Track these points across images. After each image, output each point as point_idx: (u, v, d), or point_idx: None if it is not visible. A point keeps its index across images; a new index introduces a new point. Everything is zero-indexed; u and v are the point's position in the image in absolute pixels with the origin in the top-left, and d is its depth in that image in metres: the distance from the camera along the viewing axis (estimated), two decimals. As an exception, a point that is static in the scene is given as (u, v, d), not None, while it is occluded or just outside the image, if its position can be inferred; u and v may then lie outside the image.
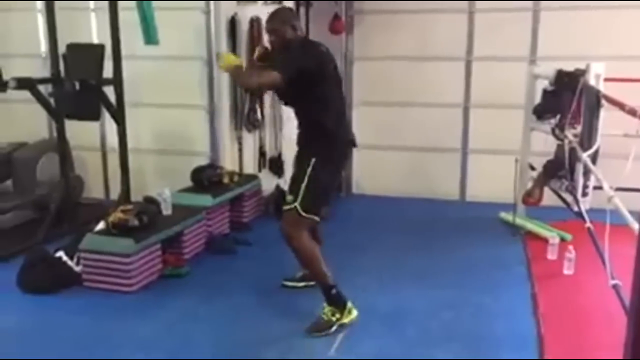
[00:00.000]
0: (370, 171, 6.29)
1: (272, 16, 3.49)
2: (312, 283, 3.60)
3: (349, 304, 3.34)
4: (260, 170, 5.66)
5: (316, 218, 3.35)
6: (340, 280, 3.53)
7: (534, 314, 3.50)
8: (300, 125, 3.49)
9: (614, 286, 2.69)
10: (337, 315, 3.30)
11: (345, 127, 3.57)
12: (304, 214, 3.26)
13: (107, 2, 4.52)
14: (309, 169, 3.27)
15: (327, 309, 3.31)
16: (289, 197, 3.32)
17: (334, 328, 3.28)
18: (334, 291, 3.32)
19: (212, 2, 5.22)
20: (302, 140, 3.49)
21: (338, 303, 3.31)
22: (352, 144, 3.57)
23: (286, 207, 3.32)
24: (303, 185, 3.26)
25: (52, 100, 4.87)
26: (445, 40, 5.93)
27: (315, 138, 3.38)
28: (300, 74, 3.15)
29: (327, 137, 3.35)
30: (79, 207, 5.19)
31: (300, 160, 3.39)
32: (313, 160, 3.28)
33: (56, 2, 4.73)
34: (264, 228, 5.19)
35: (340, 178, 3.75)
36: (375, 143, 6.22)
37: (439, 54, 5.94)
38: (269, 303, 3.70)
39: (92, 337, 3.31)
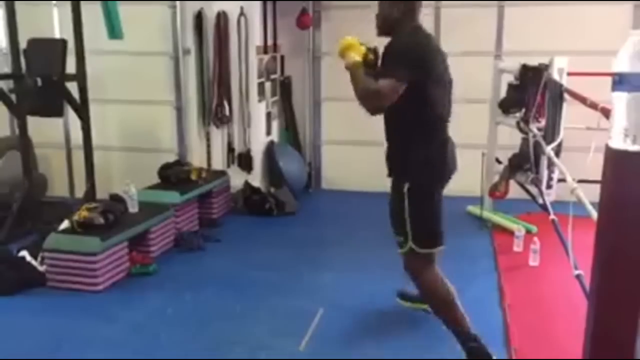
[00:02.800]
0: (338, 166, 6.30)
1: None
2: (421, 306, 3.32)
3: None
4: (229, 166, 5.63)
5: (434, 249, 2.90)
6: (308, 274, 3.54)
7: (500, 305, 3.55)
8: (388, 140, 2.94)
9: (577, 276, 2.74)
10: None
11: (444, 149, 2.97)
12: (421, 250, 2.86)
13: (69, -4, 4.44)
14: (405, 201, 2.79)
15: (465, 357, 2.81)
16: (398, 239, 2.90)
17: None
18: (474, 344, 2.77)
19: (178, -4, 5.18)
20: (391, 161, 2.93)
21: (478, 355, 2.77)
22: (445, 169, 2.99)
23: (401, 250, 2.92)
24: (408, 223, 2.80)
25: (13, 97, 4.75)
26: (412, 35, 5.95)
27: (404, 161, 2.84)
28: (419, 76, 2.66)
29: (422, 155, 2.80)
30: (42, 206, 5.08)
31: (394, 189, 2.89)
32: (406, 185, 2.79)
33: (16, -5, 4.62)
34: (233, 224, 5.17)
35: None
36: (343, 138, 6.23)
37: (406, 49, 5.96)
38: (238, 300, 3.67)
39: (57, 338, 3.24)
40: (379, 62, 2.90)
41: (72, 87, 4.59)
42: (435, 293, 2.90)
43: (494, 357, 2.79)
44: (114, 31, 4.44)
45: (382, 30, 2.96)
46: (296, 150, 6.15)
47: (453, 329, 2.87)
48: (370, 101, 2.70)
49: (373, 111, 2.72)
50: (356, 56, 2.83)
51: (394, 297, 3.66)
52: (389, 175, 2.96)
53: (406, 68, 2.64)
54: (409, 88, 2.63)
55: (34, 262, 3.89)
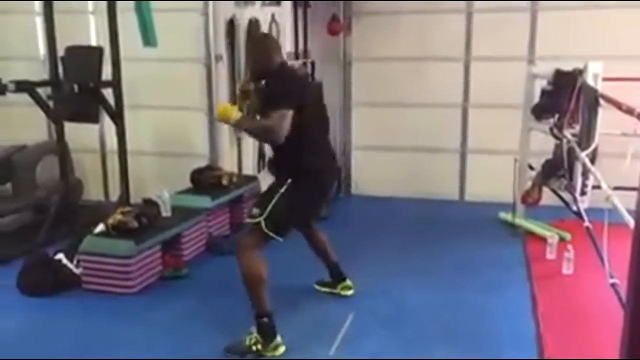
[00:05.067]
0: (369, 172, 6.29)
1: (259, 42, 3.57)
2: (340, 292, 3.78)
3: (278, 340, 3.13)
4: (259, 172, 5.67)
5: (278, 238, 3.21)
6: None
7: (533, 314, 3.50)
8: (274, 152, 3.35)
9: (613, 285, 2.69)
10: (259, 347, 3.11)
11: (326, 158, 3.42)
12: (266, 230, 3.14)
13: (105, 5, 4.53)
14: (282, 189, 3.18)
15: (253, 336, 3.13)
16: (255, 210, 3.20)
17: (248, 357, 3.11)
18: (265, 319, 3.13)
19: (210, 4, 5.24)
20: (276, 166, 3.41)
21: (266, 335, 3.12)
22: (332, 174, 3.50)
23: (249, 220, 3.24)
24: (272, 201, 3.15)
25: (51, 103, 4.87)
26: (444, 41, 5.94)
27: (288, 165, 3.26)
28: (297, 105, 3.08)
29: (302, 164, 3.22)
30: (78, 210, 5.18)
31: (275, 182, 3.30)
32: (288, 181, 3.18)
33: (55, 5, 4.73)
34: (263, 229, 5.19)
35: (318, 209, 3.65)
36: (374, 144, 6.23)
37: (438, 55, 5.95)
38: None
39: (91, 339, 3.31)
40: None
41: (108, 93, 4.69)
42: (252, 269, 3.19)
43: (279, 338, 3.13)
44: (149, 39, 4.52)
45: (259, 74, 3.40)
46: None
47: (254, 303, 3.17)
48: (268, 136, 3.17)
49: (275, 142, 3.15)
50: (234, 113, 3.20)
51: (424, 305, 3.64)
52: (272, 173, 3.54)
53: (287, 97, 3.10)
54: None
55: (69, 265, 3.97)
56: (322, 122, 3.44)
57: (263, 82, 3.36)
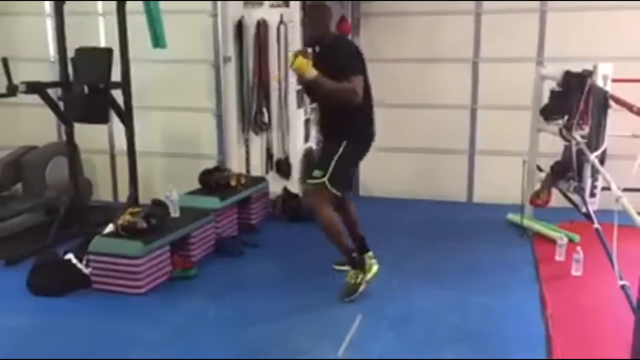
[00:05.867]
0: (377, 173, 6.28)
1: (314, 8, 3.84)
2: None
3: (371, 261, 3.76)
4: (267, 173, 5.68)
5: (339, 193, 3.61)
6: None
7: (542, 315, 3.49)
8: (328, 116, 3.77)
9: (622, 287, 2.68)
10: (361, 276, 3.67)
11: (372, 120, 3.83)
12: (330, 187, 3.53)
13: (115, 6, 4.56)
14: (340, 149, 3.56)
15: (352, 272, 3.68)
16: (317, 172, 3.58)
17: (362, 287, 3.66)
18: (354, 254, 3.69)
19: (219, 5, 5.26)
20: (330, 129, 3.77)
21: (360, 264, 3.70)
22: (372, 135, 3.83)
23: (313, 181, 3.59)
24: (333, 162, 3.54)
25: (61, 104, 4.91)
26: (452, 42, 5.93)
27: (346, 128, 3.63)
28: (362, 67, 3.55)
29: (358, 127, 3.67)
30: (88, 210, 5.22)
31: (329, 144, 3.69)
32: (344, 143, 3.58)
33: (65, 6, 4.76)
34: (271, 230, 5.22)
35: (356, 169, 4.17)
36: (382, 145, 6.15)
37: (446, 56, 5.94)
38: (277, 304, 3.71)
39: (101, 339, 3.33)
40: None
41: (117, 94, 4.71)
42: (330, 221, 3.63)
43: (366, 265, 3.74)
44: (158, 40, 4.54)
45: (314, 40, 3.71)
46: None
47: (340, 248, 3.72)
48: (351, 95, 3.47)
49: (353, 103, 3.50)
50: (312, 69, 3.47)
51: (433, 306, 3.64)
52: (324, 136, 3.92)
53: (358, 65, 3.55)
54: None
55: (79, 265, 3.99)
56: (369, 90, 3.76)
57: (317, 48, 3.68)
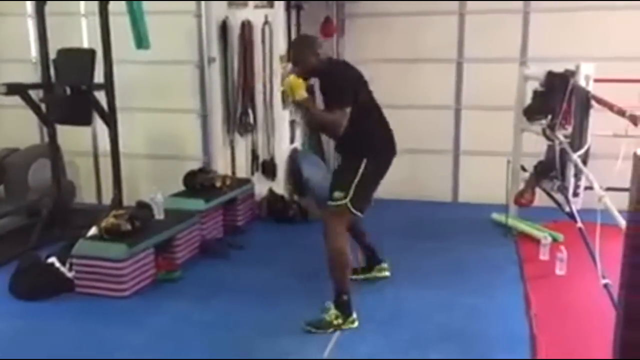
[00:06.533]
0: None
1: (294, 46, 3.71)
2: (377, 274, 4.00)
3: (354, 315, 3.40)
4: (253, 174, 5.66)
5: (361, 214, 3.49)
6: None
7: (527, 314, 3.51)
8: (346, 134, 3.40)
9: (605, 285, 2.71)
10: (339, 321, 3.36)
11: (390, 134, 3.64)
12: (353, 210, 3.38)
13: (97, 7, 4.51)
14: (361, 168, 3.38)
15: (333, 312, 3.37)
16: (338, 193, 3.38)
17: (331, 330, 3.33)
18: (345, 297, 3.38)
19: (203, 6, 5.23)
20: (349, 147, 3.53)
21: (345, 310, 3.38)
22: (394, 150, 3.64)
23: (334, 203, 3.39)
24: (354, 183, 3.37)
25: (43, 106, 4.85)
26: (436, 43, 5.95)
27: (366, 145, 3.46)
28: (355, 96, 3.34)
29: (379, 143, 3.52)
30: (71, 213, 5.17)
31: (348, 163, 3.51)
32: (365, 161, 3.40)
33: (46, 7, 4.71)
34: (257, 231, 5.20)
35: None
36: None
37: (430, 56, 5.97)
38: (262, 306, 3.69)
39: (84, 343, 3.29)
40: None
41: (100, 95, 4.67)
42: (341, 252, 3.40)
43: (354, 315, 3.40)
44: (141, 41, 4.50)
45: (308, 74, 3.46)
46: (320, 158, 6.17)
47: (336, 282, 3.41)
48: (335, 129, 3.35)
49: (337, 136, 3.45)
50: (304, 93, 3.34)
51: (418, 306, 3.65)
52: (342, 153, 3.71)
53: (347, 95, 3.32)
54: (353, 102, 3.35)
55: (62, 268, 3.95)
56: (377, 106, 3.62)
57: (312, 80, 3.55)
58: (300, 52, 3.47)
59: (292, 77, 3.39)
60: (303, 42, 3.69)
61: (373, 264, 4.05)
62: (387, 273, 4.03)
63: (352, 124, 3.33)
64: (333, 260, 3.40)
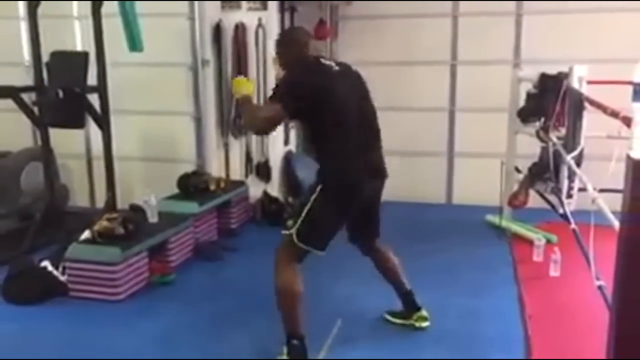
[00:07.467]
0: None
1: (280, 35, 3.37)
2: (415, 323, 3.37)
3: (417, 323, 3.21)
4: (247, 176, 5.65)
5: (315, 251, 2.96)
6: (326, 284, 3.52)
7: (521, 316, 3.52)
8: (312, 151, 3.18)
9: (599, 287, 2.71)
10: None
11: (355, 164, 3.01)
12: (298, 242, 2.91)
13: (90, 10, 4.49)
14: (314, 196, 2.92)
15: (285, 357, 2.96)
16: (290, 221, 2.97)
17: None
18: (295, 342, 2.93)
19: (196, 7, 5.22)
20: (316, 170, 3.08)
21: (297, 357, 2.93)
22: (356, 186, 3.03)
23: (283, 232, 2.99)
24: (304, 212, 2.91)
25: (35, 109, 4.83)
26: (430, 45, 5.97)
27: (320, 170, 3.00)
28: (302, 105, 2.86)
29: (334, 170, 2.96)
30: (64, 216, 5.12)
31: (312, 185, 3.02)
32: (319, 188, 2.93)
33: (39, 9, 4.69)
34: (251, 234, 5.19)
35: (338, 225, 3.10)
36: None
37: (424, 59, 5.98)
38: (256, 310, 3.68)
39: (77, 347, 3.28)
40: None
41: (93, 98, 4.65)
42: (285, 286, 2.95)
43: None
44: (135, 43, 4.49)
45: (283, 67, 3.16)
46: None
47: (285, 323, 2.96)
48: (254, 125, 3.16)
49: (252, 129, 3.29)
50: (244, 91, 3.08)
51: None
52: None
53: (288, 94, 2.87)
54: (306, 114, 2.98)
55: (55, 272, 3.93)
56: (359, 123, 3.07)
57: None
58: (280, 42, 3.18)
59: (241, 77, 3.33)
60: (289, 34, 3.42)
61: (411, 310, 3.42)
62: (426, 323, 3.36)
63: (312, 140, 3.01)
64: (278, 298, 2.95)
